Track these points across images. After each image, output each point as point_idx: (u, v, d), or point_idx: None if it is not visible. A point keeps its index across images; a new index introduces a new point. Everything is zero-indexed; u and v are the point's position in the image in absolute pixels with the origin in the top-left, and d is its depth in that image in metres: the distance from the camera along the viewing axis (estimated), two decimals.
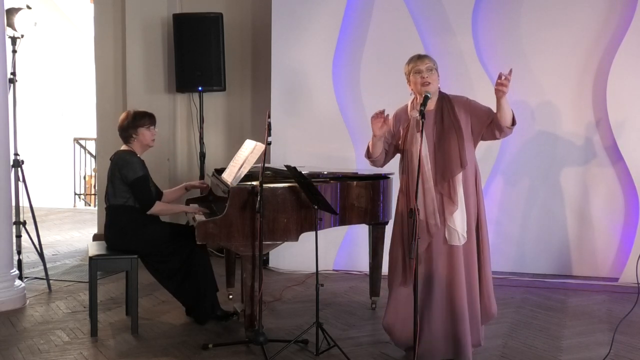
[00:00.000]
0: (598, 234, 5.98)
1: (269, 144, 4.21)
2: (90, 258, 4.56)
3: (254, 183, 4.38)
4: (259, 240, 4.23)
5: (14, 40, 5.66)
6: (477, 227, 4.04)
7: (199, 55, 6.75)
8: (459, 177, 3.95)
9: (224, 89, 6.92)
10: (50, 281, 5.80)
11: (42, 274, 5.83)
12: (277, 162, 5.70)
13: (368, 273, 5.31)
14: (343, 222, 4.73)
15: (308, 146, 6.31)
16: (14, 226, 5.55)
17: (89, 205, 11.64)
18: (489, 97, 5.84)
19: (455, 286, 3.96)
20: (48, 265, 5.91)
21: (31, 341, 4.48)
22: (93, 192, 11.52)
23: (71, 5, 12.58)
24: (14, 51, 5.68)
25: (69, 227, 8.91)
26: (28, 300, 5.36)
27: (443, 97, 4.07)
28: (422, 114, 3.75)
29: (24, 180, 5.70)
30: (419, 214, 3.70)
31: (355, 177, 4.91)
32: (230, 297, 5.33)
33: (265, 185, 4.25)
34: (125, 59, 7.24)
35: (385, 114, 4.04)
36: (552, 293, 5.66)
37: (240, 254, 4.42)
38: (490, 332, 4.50)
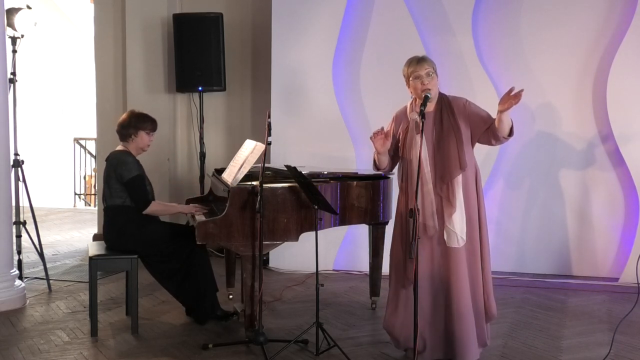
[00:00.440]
0: (598, 234, 5.97)
1: (269, 144, 4.21)
2: (90, 258, 4.56)
3: (254, 183, 4.38)
4: (259, 240, 4.23)
5: (14, 40, 5.66)
6: (478, 228, 4.03)
7: (199, 55, 6.75)
8: (459, 179, 3.95)
9: (224, 89, 6.92)
10: (50, 281, 5.80)
11: (42, 274, 5.83)
12: (277, 162, 5.70)
13: (368, 273, 5.31)
14: (343, 222, 4.72)
15: (308, 146, 6.31)
16: (14, 226, 5.55)
17: (89, 205, 11.64)
18: (489, 97, 5.88)
19: (456, 287, 3.95)
20: (48, 265, 5.91)
21: (31, 341, 4.48)
22: (93, 192, 11.52)
23: (71, 5, 12.58)
24: (14, 51, 5.68)
25: (69, 227, 8.91)
26: (28, 300, 5.36)
27: (442, 99, 4.07)
28: (423, 115, 3.75)
29: (24, 180, 5.70)
30: (419, 214, 3.70)
31: (355, 177, 4.91)
32: (230, 297, 5.33)
33: (265, 185, 4.25)
34: (125, 59, 7.24)
35: (386, 130, 4.04)
36: (552, 293, 5.66)
37: (240, 254, 4.41)
38: (490, 332, 4.49)
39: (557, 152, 6.04)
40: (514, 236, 6.15)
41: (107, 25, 7.38)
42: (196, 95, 7.02)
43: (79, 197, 11.80)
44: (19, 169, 5.64)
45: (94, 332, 4.55)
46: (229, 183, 4.46)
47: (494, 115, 3.99)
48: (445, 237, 3.96)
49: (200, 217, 4.57)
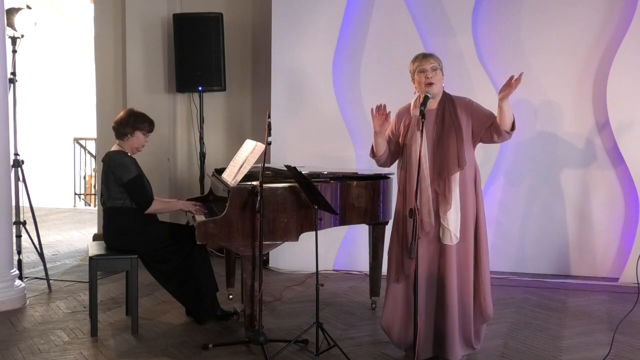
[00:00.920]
0: (598, 234, 5.98)
1: (269, 144, 4.21)
2: (90, 258, 4.56)
3: (254, 183, 4.38)
4: (259, 240, 4.23)
5: (14, 40, 5.66)
6: (476, 228, 4.04)
7: (199, 55, 6.75)
8: (456, 176, 3.96)
9: (224, 89, 6.92)
10: (50, 281, 5.80)
11: (42, 274, 5.83)
12: (277, 162, 5.70)
13: (368, 273, 5.31)
14: (343, 222, 4.73)
15: (308, 146, 6.31)
16: (14, 226, 5.55)
17: (89, 205, 11.64)
18: (489, 97, 5.85)
19: (445, 285, 3.97)
20: (48, 265, 5.91)
21: (31, 341, 4.48)
22: (93, 192, 11.52)
23: (71, 5, 12.58)
24: (14, 51, 5.68)
25: (69, 227, 8.91)
26: (28, 300, 5.36)
27: (446, 98, 4.07)
28: (422, 114, 3.75)
29: (24, 180, 5.70)
30: (419, 215, 3.70)
31: (355, 177, 4.91)
32: (230, 297, 5.33)
33: (265, 185, 4.25)
34: (125, 59, 7.24)
35: (388, 111, 4.04)
36: (552, 293, 5.66)
37: (240, 254, 4.42)
38: (490, 332, 4.50)
39: (557, 152, 6.04)
40: (514, 236, 6.15)
41: (107, 25, 7.38)
42: (196, 95, 7.03)
43: (79, 197, 11.80)
44: (19, 169, 5.64)
45: (94, 332, 4.55)
46: (229, 183, 4.46)
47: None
48: (440, 234, 3.98)
49: (200, 217, 4.57)
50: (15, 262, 5.45)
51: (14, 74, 5.63)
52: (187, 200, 5.39)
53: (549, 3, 6.00)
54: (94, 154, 10.90)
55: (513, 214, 6.15)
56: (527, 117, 6.02)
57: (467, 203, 4.00)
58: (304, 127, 6.37)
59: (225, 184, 4.56)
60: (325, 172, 4.85)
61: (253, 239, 4.32)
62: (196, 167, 7.10)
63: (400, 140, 4.15)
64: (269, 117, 4.22)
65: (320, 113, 6.34)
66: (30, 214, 5.80)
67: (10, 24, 5.58)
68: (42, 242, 5.92)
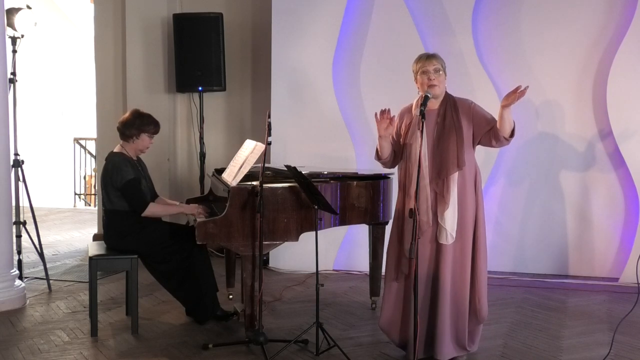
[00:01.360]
0: (598, 234, 5.97)
1: (269, 144, 4.21)
2: (90, 258, 4.56)
3: (254, 183, 4.38)
4: (259, 240, 4.23)
5: (14, 40, 5.66)
6: (475, 229, 4.04)
7: (199, 55, 6.75)
8: (455, 177, 3.96)
9: (224, 89, 6.92)
10: (50, 281, 5.80)
11: (42, 274, 5.83)
12: (277, 162, 5.70)
13: (368, 273, 5.31)
14: (343, 222, 4.73)
15: (308, 146, 6.31)
16: (14, 226, 5.55)
17: (89, 205, 11.64)
18: (489, 97, 5.89)
19: (439, 284, 3.97)
20: (48, 265, 5.91)
21: (31, 341, 4.48)
22: (93, 192, 11.52)
23: (71, 5, 12.58)
24: (14, 51, 5.68)
25: (69, 227, 8.90)
26: (28, 300, 5.36)
27: (448, 98, 4.07)
28: (422, 114, 3.75)
29: (24, 180, 5.70)
30: (419, 214, 3.70)
31: (355, 177, 4.91)
32: (230, 297, 5.33)
33: (265, 185, 4.25)
34: (125, 59, 7.24)
35: (392, 115, 4.03)
36: (552, 293, 5.66)
37: (240, 254, 4.42)
38: (490, 332, 4.50)
39: (557, 152, 6.04)
40: (514, 236, 6.15)
41: (107, 25, 7.39)
42: (196, 95, 7.02)
43: (79, 197, 11.80)
44: (19, 169, 5.64)
45: (94, 332, 4.55)
46: (229, 183, 4.46)
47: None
48: (436, 233, 3.98)
49: (200, 217, 4.56)
50: (15, 262, 5.45)
51: (14, 74, 5.63)
52: (187, 200, 5.38)
53: (549, 3, 6.00)
54: (94, 154, 10.90)
55: (513, 214, 6.15)
56: (528, 117, 6.02)
57: (467, 203, 4.00)
58: (304, 127, 6.37)
59: (225, 184, 4.56)
60: (325, 172, 4.85)
61: (253, 239, 4.32)
62: (196, 167, 7.10)
63: (401, 140, 4.15)
64: (269, 117, 4.22)
65: (320, 113, 6.34)
66: (30, 214, 5.80)
67: (10, 24, 5.58)
68: (42, 242, 5.92)
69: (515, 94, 3.81)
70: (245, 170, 4.46)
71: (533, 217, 6.12)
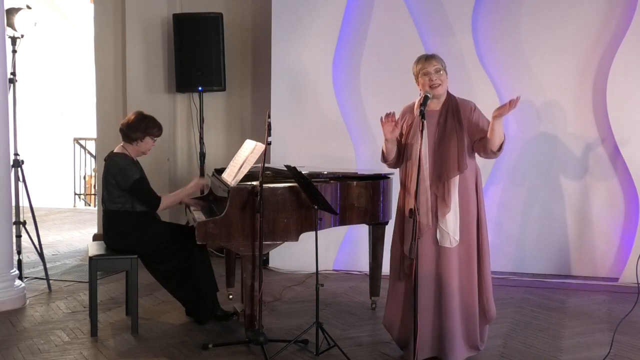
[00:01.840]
0: (598, 234, 5.98)
1: (269, 144, 4.21)
2: (90, 258, 4.56)
3: (254, 183, 4.38)
4: (259, 240, 4.23)
5: (14, 40, 5.66)
6: (477, 229, 4.04)
7: (199, 55, 6.75)
8: (455, 180, 3.96)
9: (224, 89, 6.92)
10: (50, 281, 5.80)
11: (42, 274, 5.83)
12: (277, 162, 5.70)
13: (368, 273, 5.31)
14: (343, 222, 4.72)
15: (308, 146, 6.31)
16: (14, 226, 5.55)
17: (89, 205, 11.64)
18: (489, 97, 5.89)
19: (446, 286, 3.97)
20: (48, 265, 5.91)
21: (31, 341, 4.48)
22: (93, 192, 11.52)
23: (71, 5, 12.58)
24: (14, 51, 5.68)
25: (69, 227, 8.91)
26: (28, 300, 5.36)
27: (450, 99, 4.06)
28: (423, 114, 3.74)
29: (24, 180, 5.70)
30: (419, 214, 3.70)
31: (355, 177, 4.91)
32: (230, 297, 5.33)
33: (265, 185, 4.25)
34: (125, 59, 7.24)
35: (397, 118, 4.02)
36: (552, 293, 5.66)
37: (240, 254, 4.41)
38: (490, 332, 4.49)
39: (557, 152, 6.04)
40: (514, 236, 6.15)
41: (107, 25, 7.38)
42: (196, 95, 7.02)
43: (79, 197, 11.80)
44: (19, 169, 5.64)
45: (94, 332, 4.55)
46: (229, 183, 4.46)
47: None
48: (438, 236, 3.97)
49: (200, 217, 4.57)
50: (15, 262, 5.45)
51: (14, 74, 5.63)
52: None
53: (548, 3, 6.00)
54: (94, 154, 10.90)
55: (513, 214, 6.15)
56: (528, 117, 6.03)
57: (469, 205, 4.00)
58: (304, 127, 6.37)
59: (225, 184, 4.56)
60: (325, 172, 4.85)
61: (253, 239, 4.32)
62: (196, 167, 7.09)
63: (402, 139, 4.14)
64: (269, 117, 4.22)
65: (320, 113, 6.34)
66: (30, 214, 5.80)
67: (10, 24, 5.58)
68: (42, 242, 5.92)
69: (507, 106, 3.78)
70: (245, 170, 4.46)
71: (533, 217, 6.12)
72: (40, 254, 5.81)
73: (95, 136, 8.15)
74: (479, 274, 4.04)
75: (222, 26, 6.77)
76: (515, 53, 6.07)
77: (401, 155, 4.18)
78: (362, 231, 5.67)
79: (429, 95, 3.90)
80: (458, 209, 3.96)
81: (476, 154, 4.10)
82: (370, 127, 6.24)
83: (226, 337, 4.53)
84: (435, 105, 4.02)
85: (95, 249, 4.74)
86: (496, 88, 6.03)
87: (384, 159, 4.20)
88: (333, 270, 6.32)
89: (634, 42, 5.71)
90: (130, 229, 4.65)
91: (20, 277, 5.54)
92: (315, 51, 6.34)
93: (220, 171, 5.06)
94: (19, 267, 5.61)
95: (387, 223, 4.99)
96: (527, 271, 6.11)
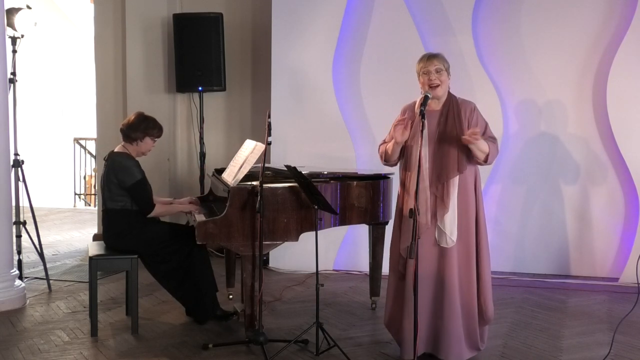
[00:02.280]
0: (598, 234, 5.98)
1: (269, 144, 4.21)
2: (90, 258, 4.56)
3: (254, 183, 4.38)
4: (259, 240, 4.23)
5: (14, 40, 5.66)
6: (476, 230, 4.04)
7: (199, 55, 6.75)
8: (455, 180, 3.96)
9: (224, 89, 6.92)
10: (50, 281, 5.80)
11: (42, 274, 5.83)
12: (277, 162, 5.70)
13: (368, 273, 5.31)
14: (343, 222, 4.72)
15: (308, 146, 6.31)
16: (14, 226, 5.55)
17: (89, 205, 11.64)
18: (489, 97, 5.90)
19: (444, 286, 3.97)
20: (48, 265, 5.91)
21: (31, 341, 4.48)
22: (93, 192, 11.52)
23: (71, 5, 12.58)
24: (14, 51, 5.68)
25: (69, 227, 8.91)
26: (28, 300, 5.36)
27: (451, 99, 4.06)
28: (423, 114, 3.74)
29: (24, 180, 5.70)
30: (419, 214, 3.70)
31: (355, 177, 4.91)
32: (230, 297, 5.33)
33: (265, 185, 4.25)
34: (125, 59, 7.24)
35: (407, 121, 4.03)
36: (552, 293, 5.66)
37: (240, 254, 4.42)
38: (490, 332, 4.49)
39: (557, 152, 6.04)
40: (514, 236, 6.15)
41: (107, 25, 7.38)
42: (196, 95, 7.03)
43: (79, 197, 11.80)
44: (19, 169, 5.64)
45: (94, 332, 4.55)
46: (229, 183, 4.46)
47: (493, 131, 4.06)
48: (436, 236, 3.97)
49: (200, 217, 4.57)
50: (15, 262, 5.45)
51: (14, 74, 5.63)
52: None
53: (549, 3, 6.00)
54: (94, 154, 10.90)
55: (513, 214, 6.15)
56: (528, 117, 6.03)
57: (468, 205, 4.00)
58: (304, 127, 6.37)
59: (225, 184, 4.56)
60: (325, 172, 4.85)
61: (253, 239, 4.32)
62: (196, 167, 7.10)
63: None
64: (269, 117, 4.22)
65: (320, 113, 6.34)
66: (30, 214, 5.80)
67: (10, 24, 5.58)
68: (42, 242, 5.92)
69: (468, 140, 3.82)
70: (245, 170, 4.46)
71: (533, 217, 6.12)
72: (41, 254, 5.81)
73: (95, 136, 8.16)
74: (477, 275, 4.04)
75: (222, 26, 6.77)
76: (515, 53, 6.07)
77: (401, 154, 4.18)
78: (362, 231, 5.67)
79: (428, 95, 3.89)
80: (457, 209, 3.96)
81: None
82: (370, 127, 6.24)
83: (226, 337, 4.53)
84: (436, 106, 4.02)
85: (95, 249, 4.74)
86: (496, 88, 6.03)
87: (386, 160, 4.19)
88: (333, 270, 6.32)
89: (634, 42, 5.71)
90: (130, 228, 4.65)
91: (21, 277, 5.54)
92: (315, 51, 6.34)
93: (220, 171, 5.06)
94: (19, 267, 5.61)
95: (387, 223, 4.99)
96: (527, 271, 6.11)
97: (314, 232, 4.26)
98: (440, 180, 3.96)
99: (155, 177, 5.88)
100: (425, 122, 3.79)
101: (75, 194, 11.63)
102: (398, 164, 4.24)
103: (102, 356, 4.23)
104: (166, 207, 4.92)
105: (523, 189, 6.14)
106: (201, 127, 6.96)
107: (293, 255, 6.20)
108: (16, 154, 5.64)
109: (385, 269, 4.69)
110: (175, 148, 7.28)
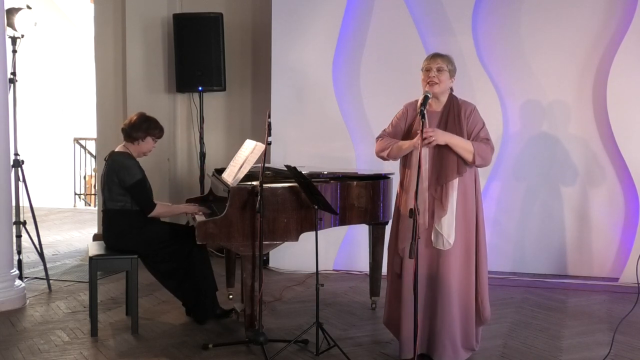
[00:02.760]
0: (598, 234, 5.97)
1: (269, 144, 4.21)
2: (90, 258, 4.56)
3: (254, 183, 4.38)
4: (259, 240, 4.23)
5: (14, 40, 5.66)
6: (475, 232, 4.03)
7: (198, 55, 6.75)
8: (454, 182, 3.95)
9: (224, 89, 6.92)
10: (50, 281, 5.80)
11: (42, 274, 5.83)
12: (277, 162, 5.70)
13: (368, 273, 5.31)
14: (343, 222, 4.72)
15: (308, 146, 6.31)
16: (14, 226, 5.55)
17: (89, 205, 11.64)
18: (489, 97, 5.90)
19: (440, 288, 3.96)
20: (48, 265, 5.91)
21: (31, 341, 4.48)
22: (93, 192, 11.53)
23: (71, 5, 12.58)
24: (14, 51, 5.68)
25: (69, 227, 8.91)
26: (28, 300, 5.36)
27: (452, 100, 4.05)
28: (423, 114, 3.74)
29: (24, 180, 5.70)
30: (419, 214, 3.70)
31: (355, 177, 4.91)
32: (230, 297, 5.34)
33: (265, 185, 4.25)
34: (125, 59, 7.24)
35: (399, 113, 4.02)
36: (552, 293, 5.66)
37: (240, 254, 4.42)
38: (490, 332, 4.50)
39: (557, 151, 6.04)
40: (514, 236, 6.15)
41: (107, 25, 7.39)
42: (196, 95, 7.03)
43: (79, 197, 11.80)
44: (19, 169, 5.64)
45: (94, 332, 4.55)
46: (229, 183, 4.46)
47: (492, 131, 4.08)
48: (432, 238, 3.97)
49: (200, 217, 4.57)
50: (15, 262, 5.45)
51: (14, 74, 5.63)
52: (187, 200, 5.39)
53: (548, 3, 6.00)
54: (94, 154, 10.90)
55: (513, 214, 6.15)
56: (528, 117, 6.03)
57: (468, 207, 3.99)
58: (304, 127, 6.37)
59: (225, 184, 4.56)
60: (325, 172, 4.85)
61: (253, 239, 4.32)
62: (196, 167, 7.10)
63: (402, 137, 4.13)
64: (269, 117, 4.22)
65: (320, 113, 6.34)
66: (30, 214, 5.80)
67: (10, 24, 5.58)
68: (42, 242, 5.92)
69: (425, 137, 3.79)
70: (245, 170, 4.46)
71: (533, 217, 6.12)
72: (41, 254, 5.81)
73: (95, 136, 8.16)
74: (475, 276, 4.04)
75: (222, 26, 6.78)
76: (515, 53, 6.07)
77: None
78: (362, 231, 5.67)
79: (428, 95, 3.90)
80: (455, 211, 3.95)
81: None
82: (370, 127, 6.24)
83: (226, 337, 4.53)
84: (436, 107, 4.02)
85: (95, 249, 4.74)
86: (496, 88, 6.03)
87: (389, 156, 4.13)
88: (333, 270, 6.32)
89: (634, 41, 5.71)
90: (130, 228, 4.65)
91: (21, 277, 5.54)
92: (315, 51, 6.34)
93: (220, 171, 5.06)
94: (19, 267, 5.61)
95: (387, 223, 4.98)
96: (527, 271, 6.11)
97: (314, 232, 4.26)
98: (439, 182, 3.95)
99: (155, 177, 5.88)
100: (426, 121, 3.79)
101: (75, 194, 11.63)
102: (396, 169, 4.25)
103: (102, 356, 4.23)
104: (168, 207, 4.92)
105: (523, 188, 6.14)
106: (201, 127, 6.96)
107: (293, 255, 6.20)
108: (16, 154, 5.64)
109: (385, 269, 4.69)
110: (175, 148, 7.28)
